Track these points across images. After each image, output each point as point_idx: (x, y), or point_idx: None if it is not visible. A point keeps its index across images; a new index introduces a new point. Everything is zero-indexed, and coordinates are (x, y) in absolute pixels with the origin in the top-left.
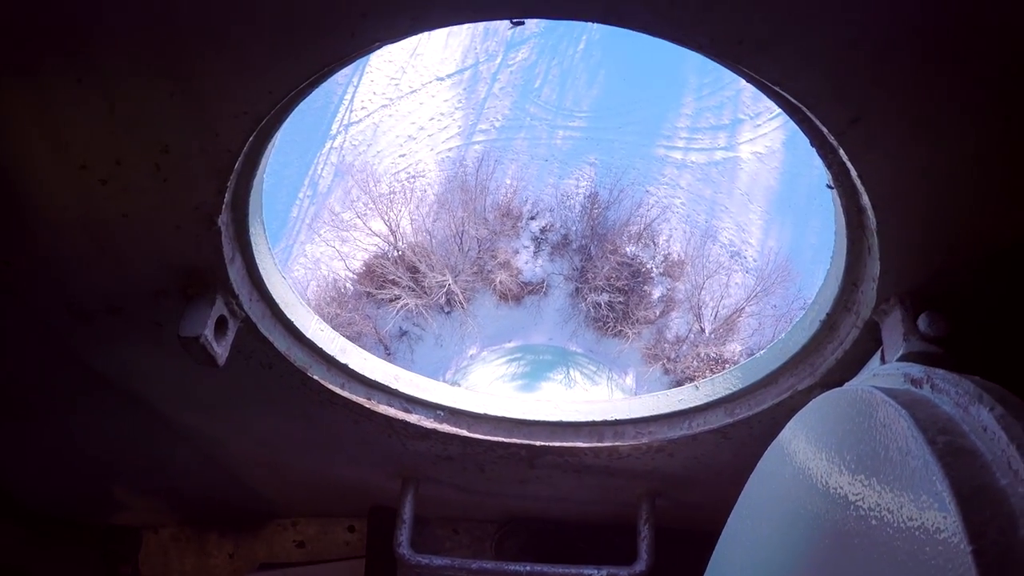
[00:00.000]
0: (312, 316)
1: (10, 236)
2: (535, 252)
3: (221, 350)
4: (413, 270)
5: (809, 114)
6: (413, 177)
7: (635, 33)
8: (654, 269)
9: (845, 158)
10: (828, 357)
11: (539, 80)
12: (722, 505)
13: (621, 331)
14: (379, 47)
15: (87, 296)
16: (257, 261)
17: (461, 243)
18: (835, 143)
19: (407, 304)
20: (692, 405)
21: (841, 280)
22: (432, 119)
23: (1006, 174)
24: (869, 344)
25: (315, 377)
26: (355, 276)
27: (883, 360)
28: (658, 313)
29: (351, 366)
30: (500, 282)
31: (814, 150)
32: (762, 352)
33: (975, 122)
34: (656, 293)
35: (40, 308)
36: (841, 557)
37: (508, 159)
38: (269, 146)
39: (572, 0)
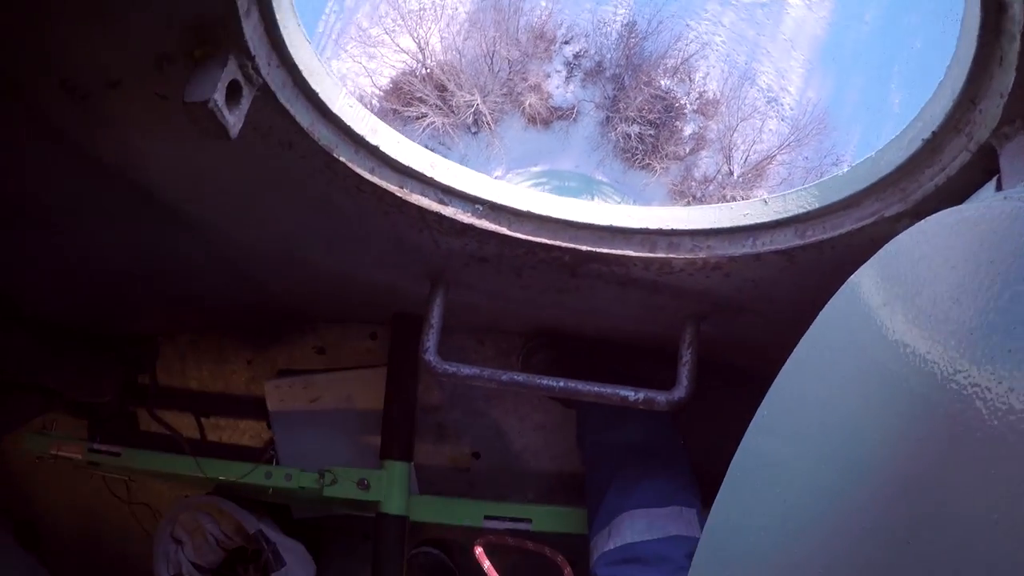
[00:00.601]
0: (340, 89)
1: None
2: (567, 77)
3: (233, 119)
4: (441, 88)
5: None
6: None
7: None
8: (688, 105)
9: None
10: (926, 183)
11: None
12: (771, 343)
13: (649, 164)
14: None
15: (83, 69)
16: (278, 17)
17: (491, 63)
18: None
19: (434, 122)
20: (758, 221)
21: (958, 94)
22: None
23: None
24: (978, 174)
25: (341, 159)
26: (382, 93)
27: (1000, 190)
28: (688, 150)
29: (382, 148)
30: (529, 105)
31: None
32: (846, 169)
33: None
34: (688, 130)
35: (34, 92)
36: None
37: None
38: None
39: None
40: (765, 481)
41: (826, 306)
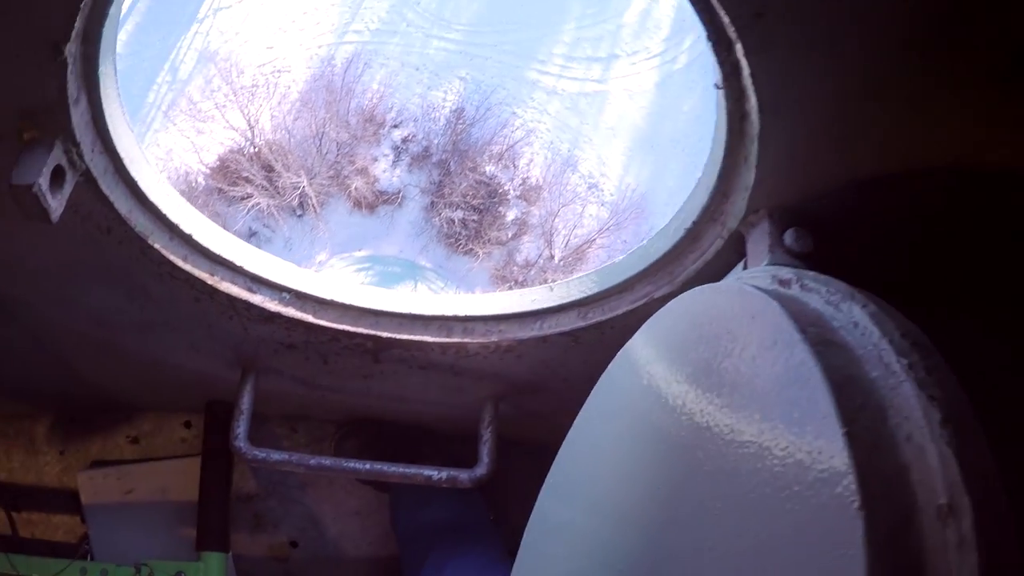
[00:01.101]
0: (158, 178)
1: None
2: (394, 161)
3: (56, 204)
4: (268, 169)
5: (713, 2)
6: (278, 72)
7: None
8: (511, 191)
9: (740, 54)
10: (688, 267)
11: None
12: (566, 417)
13: (472, 250)
14: None
15: None
16: (104, 106)
17: (320, 145)
18: (733, 36)
19: (259, 203)
20: (545, 306)
21: (712, 189)
22: (305, 13)
23: (893, 106)
24: (731, 256)
25: (156, 246)
26: (208, 170)
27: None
28: (510, 235)
29: (195, 237)
30: (356, 188)
31: (710, 45)
32: (621, 258)
33: (875, 47)
34: (510, 215)
35: None
36: (695, 470)
37: (378, 64)
38: None
39: None
40: (554, 543)
41: (603, 373)
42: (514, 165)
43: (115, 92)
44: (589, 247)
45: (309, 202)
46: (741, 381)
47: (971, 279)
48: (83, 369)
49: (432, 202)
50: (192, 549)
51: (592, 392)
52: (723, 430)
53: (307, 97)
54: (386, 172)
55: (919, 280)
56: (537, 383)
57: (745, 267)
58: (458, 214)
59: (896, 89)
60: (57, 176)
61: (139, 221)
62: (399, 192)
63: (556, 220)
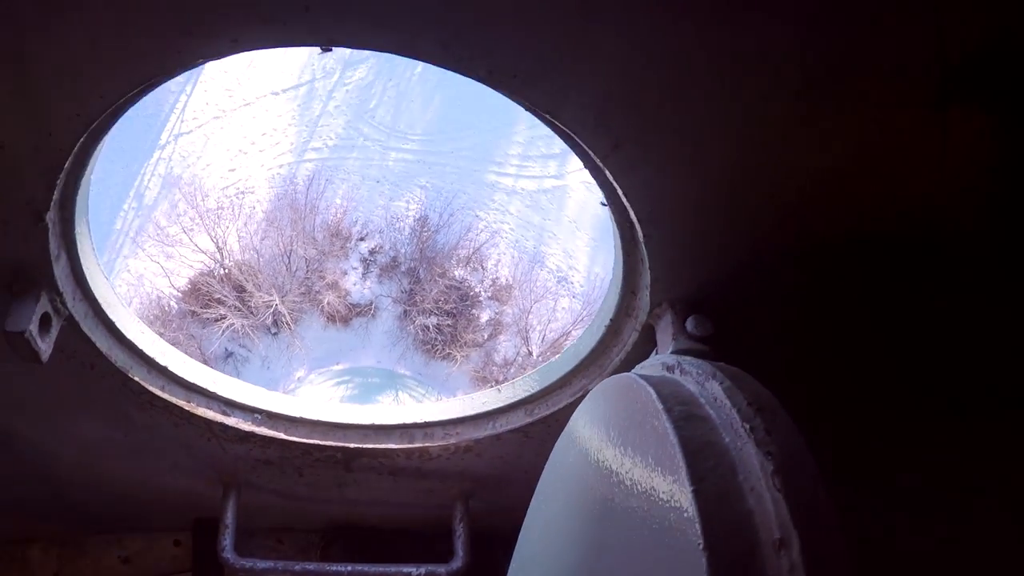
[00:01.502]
0: (133, 318)
1: None
2: (364, 274)
3: (45, 346)
4: (240, 289)
5: (578, 140)
6: (242, 193)
7: None
8: (482, 293)
9: (611, 178)
10: (614, 358)
11: (375, 100)
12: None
13: (449, 354)
14: (204, 63)
15: None
16: (82, 260)
17: (289, 263)
18: (601, 165)
19: (233, 324)
20: (495, 407)
21: (621, 288)
22: (265, 134)
23: (753, 197)
24: (647, 345)
25: (136, 378)
26: (180, 294)
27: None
28: (486, 336)
29: (171, 368)
30: (328, 303)
31: (587, 170)
32: (557, 357)
33: (722, 152)
34: (484, 316)
35: None
36: (607, 526)
37: (339, 179)
38: (98, 146)
39: (371, 34)
40: None
41: (551, 454)
42: (482, 267)
43: (90, 247)
44: (565, 339)
45: (283, 320)
46: (637, 445)
47: (858, 340)
48: (72, 493)
49: (405, 310)
50: None
51: (542, 474)
52: (625, 482)
53: (272, 216)
54: (357, 285)
55: (814, 345)
56: (500, 477)
57: (657, 353)
58: (432, 320)
59: (747, 187)
60: (45, 322)
61: (119, 357)
62: (371, 303)
63: (530, 316)
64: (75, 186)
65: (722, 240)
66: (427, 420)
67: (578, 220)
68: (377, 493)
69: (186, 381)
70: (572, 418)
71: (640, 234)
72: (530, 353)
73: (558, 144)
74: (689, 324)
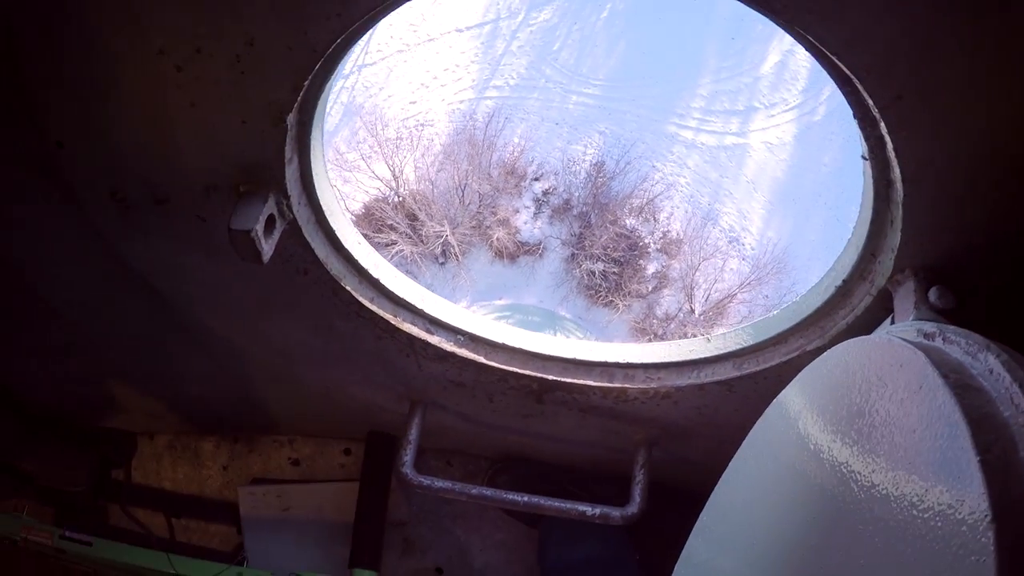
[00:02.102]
0: (352, 229)
1: (71, 118)
2: (535, 213)
3: (268, 248)
4: (412, 217)
5: (859, 86)
6: (422, 125)
7: (662, 7)
8: (651, 244)
9: (884, 131)
10: (839, 321)
11: (558, 43)
12: (713, 465)
13: (612, 302)
14: None
15: (135, 185)
16: (312, 165)
17: (462, 196)
18: (877, 116)
19: (403, 250)
20: (702, 356)
21: (861, 249)
22: (447, 70)
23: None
24: (879, 312)
25: (347, 288)
26: (354, 217)
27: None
28: (650, 288)
29: (382, 281)
30: (497, 239)
31: (856, 121)
32: (775, 312)
33: (1001, 114)
34: (651, 268)
35: (83, 196)
36: (837, 519)
37: (518, 118)
38: (348, 53)
39: None
40: None
41: (757, 422)
42: (654, 218)
43: (321, 153)
44: (730, 301)
45: (451, 250)
46: (890, 421)
47: None
48: (260, 397)
49: (573, 254)
50: (342, 566)
51: (746, 439)
52: (870, 472)
53: (450, 149)
54: (527, 223)
55: None
56: (690, 429)
57: (893, 322)
58: (598, 266)
59: None
60: (269, 224)
61: (334, 265)
62: (540, 243)
63: (696, 274)
64: (319, 89)
65: (981, 209)
66: (630, 361)
67: (756, 181)
68: (561, 429)
69: (395, 295)
70: (798, 381)
71: (900, 194)
72: (692, 311)
73: (742, 100)
74: (932, 295)
